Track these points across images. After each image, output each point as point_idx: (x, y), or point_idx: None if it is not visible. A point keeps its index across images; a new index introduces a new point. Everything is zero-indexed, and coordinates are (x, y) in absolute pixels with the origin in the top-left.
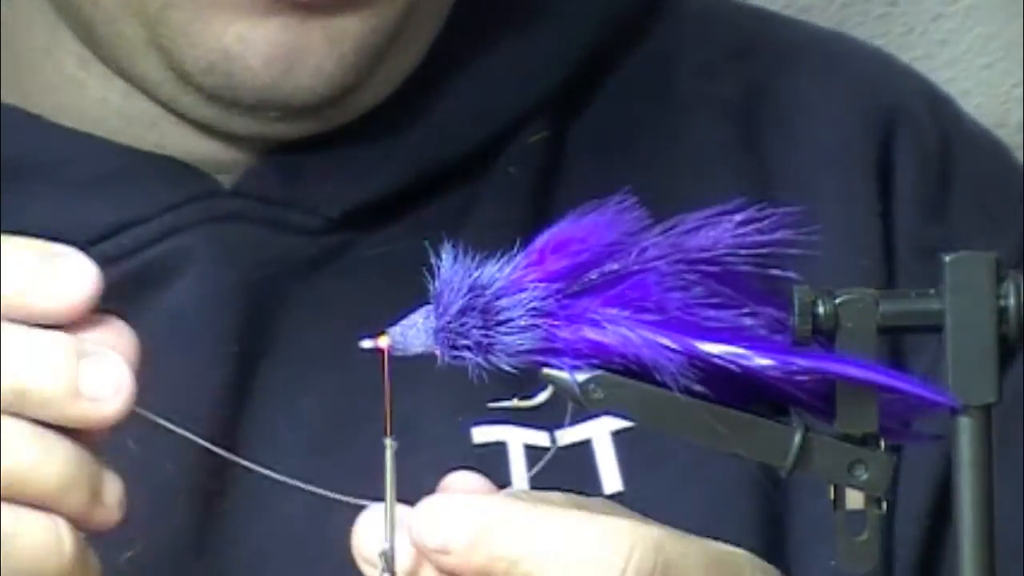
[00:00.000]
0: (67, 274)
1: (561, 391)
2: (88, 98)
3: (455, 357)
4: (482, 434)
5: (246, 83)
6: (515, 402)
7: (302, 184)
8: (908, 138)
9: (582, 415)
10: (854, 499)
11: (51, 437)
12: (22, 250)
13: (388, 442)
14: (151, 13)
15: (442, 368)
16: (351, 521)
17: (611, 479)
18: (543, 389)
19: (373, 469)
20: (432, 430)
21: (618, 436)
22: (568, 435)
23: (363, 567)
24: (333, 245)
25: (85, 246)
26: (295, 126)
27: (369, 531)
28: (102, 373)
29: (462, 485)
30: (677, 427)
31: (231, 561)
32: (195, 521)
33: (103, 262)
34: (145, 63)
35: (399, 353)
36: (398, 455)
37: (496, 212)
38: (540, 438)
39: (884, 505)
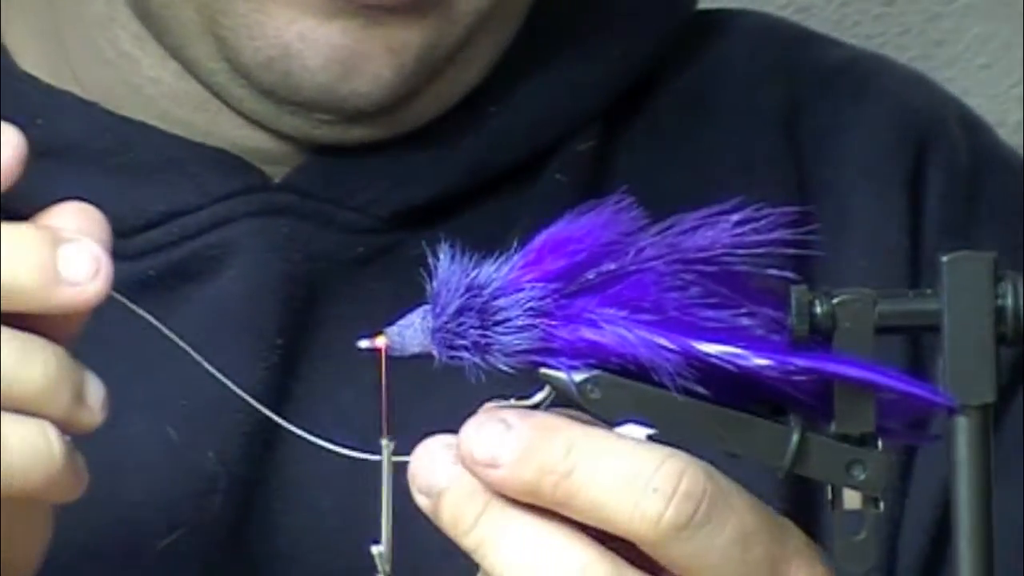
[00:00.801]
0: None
1: (559, 391)
2: (142, 76)
3: (452, 357)
4: None
5: (304, 82)
6: (513, 402)
7: (352, 183)
8: (940, 157)
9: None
10: (852, 499)
11: (32, 340)
12: None
13: (385, 442)
14: (212, 2)
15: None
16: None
17: None
18: (541, 389)
19: None
20: None
21: (655, 438)
22: None
23: (418, 498)
24: (380, 245)
25: (135, 233)
26: (345, 131)
27: (428, 460)
28: (80, 257)
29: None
30: (674, 427)
31: (266, 552)
32: (232, 511)
33: (152, 250)
34: (198, 50)
35: (396, 353)
36: None
37: (542, 217)
38: None
39: (881, 505)
